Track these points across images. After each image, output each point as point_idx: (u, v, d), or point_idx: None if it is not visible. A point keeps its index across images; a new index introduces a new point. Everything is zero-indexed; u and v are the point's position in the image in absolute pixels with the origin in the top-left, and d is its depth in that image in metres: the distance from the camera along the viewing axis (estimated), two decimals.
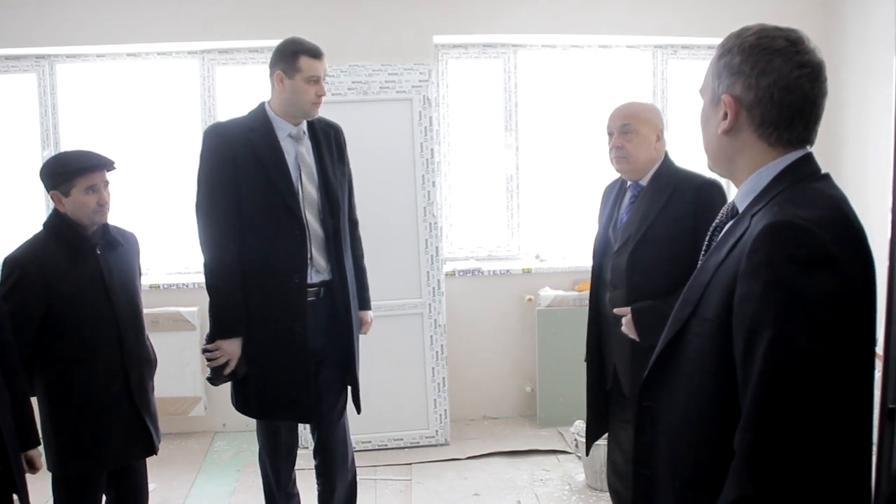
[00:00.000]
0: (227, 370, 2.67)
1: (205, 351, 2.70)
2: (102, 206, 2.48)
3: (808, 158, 1.31)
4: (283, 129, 2.73)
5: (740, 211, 1.33)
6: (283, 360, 2.69)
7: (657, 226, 2.53)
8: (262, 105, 2.78)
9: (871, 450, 1.28)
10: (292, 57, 2.68)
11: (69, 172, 2.45)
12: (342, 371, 2.87)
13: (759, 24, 1.32)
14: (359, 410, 2.94)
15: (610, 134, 2.63)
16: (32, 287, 2.39)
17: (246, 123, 2.73)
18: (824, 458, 1.12)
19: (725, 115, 1.31)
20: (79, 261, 2.48)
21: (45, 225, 2.52)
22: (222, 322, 2.67)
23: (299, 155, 2.75)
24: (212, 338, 2.68)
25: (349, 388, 2.91)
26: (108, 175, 2.53)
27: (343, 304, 2.83)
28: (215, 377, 2.71)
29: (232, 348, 2.66)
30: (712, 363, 1.25)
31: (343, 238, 2.83)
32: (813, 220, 1.16)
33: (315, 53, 2.69)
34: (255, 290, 2.67)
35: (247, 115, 2.78)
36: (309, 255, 2.72)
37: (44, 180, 2.51)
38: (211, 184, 2.66)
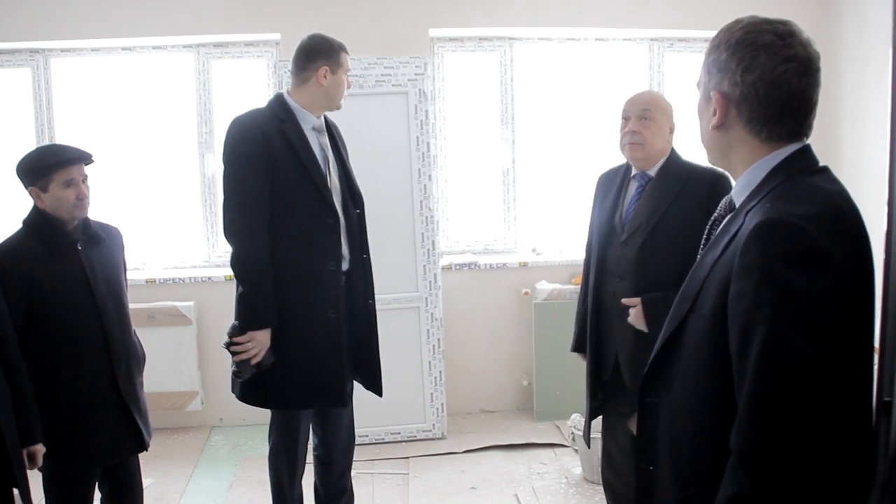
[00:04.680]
0: (255, 361, 2.62)
1: (232, 344, 2.63)
2: (82, 200, 2.43)
3: (804, 152, 1.29)
4: (307, 122, 2.74)
5: (737, 206, 1.32)
6: (319, 347, 2.70)
7: (668, 217, 2.52)
8: (281, 97, 2.76)
9: (871, 444, 1.27)
10: (336, 53, 2.75)
11: (46, 167, 2.39)
12: (353, 357, 2.89)
13: (750, 16, 1.30)
14: (381, 393, 2.96)
15: (626, 119, 2.61)
16: (13, 284, 2.31)
17: (274, 114, 2.70)
18: (820, 455, 1.12)
19: (716, 111, 1.31)
20: (59, 257, 2.42)
21: (24, 222, 2.46)
22: (257, 313, 2.64)
23: (323, 146, 2.78)
24: (242, 329, 2.63)
25: (367, 374, 2.93)
26: (93, 168, 2.48)
27: (364, 292, 2.87)
28: (243, 370, 2.64)
29: (265, 339, 2.64)
30: (708, 360, 1.25)
31: (365, 227, 2.87)
32: (805, 217, 1.15)
33: (347, 49, 2.81)
34: (291, 278, 2.67)
35: (267, 106, 2.76)
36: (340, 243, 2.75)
37: (21, 177, 2.44)
38: (243, 174, 2.63)
